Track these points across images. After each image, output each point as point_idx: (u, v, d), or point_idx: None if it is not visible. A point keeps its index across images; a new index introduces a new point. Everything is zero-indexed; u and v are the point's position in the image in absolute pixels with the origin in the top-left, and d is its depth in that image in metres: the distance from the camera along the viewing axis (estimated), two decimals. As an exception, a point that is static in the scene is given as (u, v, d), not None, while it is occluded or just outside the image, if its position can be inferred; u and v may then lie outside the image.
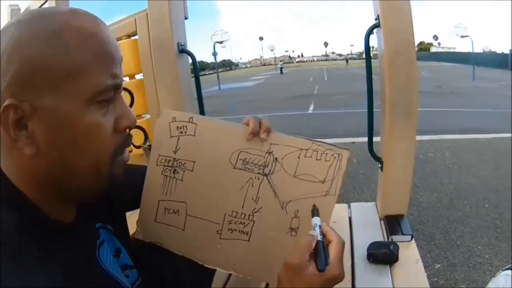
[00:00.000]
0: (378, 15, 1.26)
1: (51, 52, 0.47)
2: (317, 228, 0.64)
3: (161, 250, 0.79)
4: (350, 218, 1.52)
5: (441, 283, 2.00)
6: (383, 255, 1.17)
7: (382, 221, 1.44)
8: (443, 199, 3.09)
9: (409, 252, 1.22)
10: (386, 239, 1.31)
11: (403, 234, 1.31)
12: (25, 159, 0.49)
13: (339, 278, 0.59)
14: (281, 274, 0.61)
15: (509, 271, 1.11)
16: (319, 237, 0.61)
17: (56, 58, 0.47)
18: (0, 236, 0.45)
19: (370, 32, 1.34)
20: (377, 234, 1.37)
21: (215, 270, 0.90)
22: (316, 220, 0.65)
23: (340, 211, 1.58)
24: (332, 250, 0.60)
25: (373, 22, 1.30)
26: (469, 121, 6.91)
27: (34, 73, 0.46)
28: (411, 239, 1.29)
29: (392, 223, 1.38)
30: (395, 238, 1.29)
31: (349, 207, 1.61)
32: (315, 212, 0.68)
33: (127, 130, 0.57)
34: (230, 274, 1.15)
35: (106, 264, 0.61)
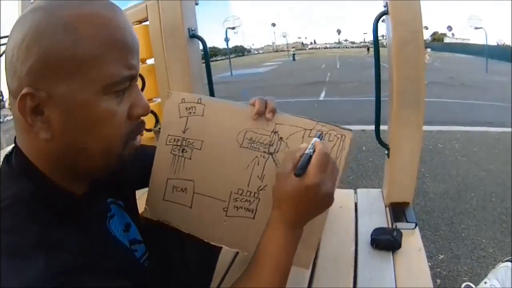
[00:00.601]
0: (386, 2, 1.25)
1: (64, 42, 0.48)
2: (311, 144, 0.66)
3: (169, 229, 0.83)
4: (356, 204, 1.53)
5: (444, 274, 2.01)
6: (386, 242, 1.18)
7: (387, 208, 1.45)
8: (450, 190, 3.09)
9: (413, 240, 1.23)
10: (390, 226, 1.33)
11: (407, 221, 1.31)
12: (40, 141, 0.52)
13: (319, 188, 0.61)
14: (274, 186, 0.65)
15: (508, 263, 1.13)
16: (308, 151, 0.63)
17: (69, 48, 0.48)
18: (15, 202, 0.49)
19: (378, 19, 1.33)
20: (382, 220, 1.37)
21: (220, 250, 0.94)
22: (313, 139, 0.68)
23: (346, 196, 1.58)
24: (312, 160, 0.62)
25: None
26: (481, 114, 6.81)
27: (50, 63, 0.48)
28: (415, 227, 1.30)
29: (397, 210, 1.39)
30: (399, 225, 1.30)
31: (355, 192, 1.62)
32: (318, 135, 0.71)
33: (140, 117, 0.60)
34: (235, 256, 1.18)
35: (116, 235, 0.64)
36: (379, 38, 1.37)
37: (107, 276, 0.49)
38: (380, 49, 1.41)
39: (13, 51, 0.49)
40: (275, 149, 0.77)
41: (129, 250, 0.67)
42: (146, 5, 1.55)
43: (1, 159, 0.58)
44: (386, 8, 1.25)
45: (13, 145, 0.57)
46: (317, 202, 0.63)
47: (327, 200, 0.64)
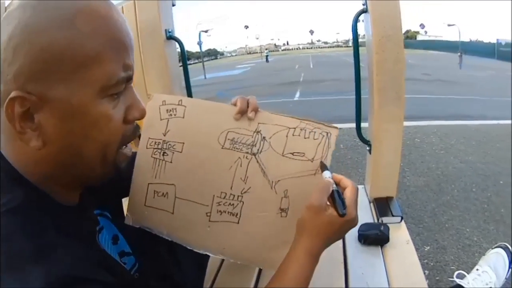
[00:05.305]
0: (365, 0, 1.26)
1: (63, 40, 0.44)
2: (330, 178, 0.67)
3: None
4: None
5: (431, 265, 2.04)
6: (374, 236, 1.18)
7: (371, 204, 1.46)
8: (431, 183, 3.14)
9: (400, 233, 1.24)
10: (376, 221, 1.33)
11: (393, 215, 1.33)
12: (30, 149, 0.48)
13: (355, 221, 0.65)
14: (303, 217, 0.66)
15: (499, 249, 1.15)
16: (334, 186, 0.65)
17: (69, 47, 0.45)
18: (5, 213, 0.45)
19: (357, 17, 1.34)
20: (367, 216, 1.38)
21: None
22: (326, 174, 0.69)
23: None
24: (348, 195, 0.65)
25: (358, 9, 1.31)
26: (457, 108, 7.01)
27: (46, 63, 0.44)
28: (401, 220, 1.31)
29: (382, 205, 1.40)
30: (385, 219, 1.31)
31: (338, 190, 1.62)
32: (323, 167, 0.71)
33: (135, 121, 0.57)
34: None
35: (106, 249, 0.61)
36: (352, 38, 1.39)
37: None
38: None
39: None
40: (258, 149, 0.75)
41: (119, 265, 0.64)
42: (122, 7, 1.51)
43: None
44: (365, 6, 1.26)
45: None
46: (347, 231, 0.67)
47: (355, 224, 0.67)
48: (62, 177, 0.53)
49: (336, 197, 0.64)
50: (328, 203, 0.64)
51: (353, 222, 0.65)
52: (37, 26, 0.44)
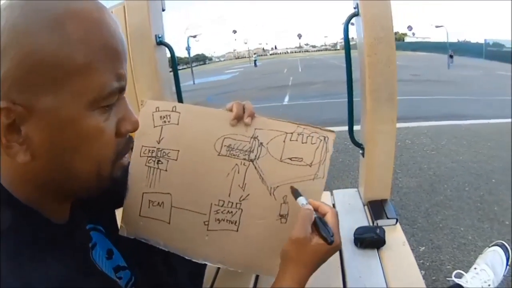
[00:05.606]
0: (357, 3, 1.27)
1: (53, 46, 0.41)
2: (308, 205, 0.66)
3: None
4: (333, 205, 1.53)
5: (427, 265, 2.05)
6: (370, 239, 1.18)
7: (366, 207, 1.46)
8: (424, 184, 3.16)
9: (396, 235, 1.24)
10: (371, 224, 1.33)
11: (387, 218, 1.33)
12: (18, 164, 0.44)
13: (340, 245, 0.65)
14: (288, 249, 0.64)
15: (495, 247, 1.16)
16: (314, 213, 0.65)
17: (59, 53, 0.41)
18: None
19: (349, 20, 1.34)
20: (362, 219, 1.38)
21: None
22: (302, 200, 0.67)
23: (322, 199, 1.58)
24: (330, 221, 0.65)
25: (346, 12, 1.32)
26: (446, 108, 7.09)
27: (33, 70, 0.40)
28: (396, 222, 1.31)
29: (377, 208, 1.40)
30: (380, 222, 1.30)
31: (331, 194, 1.61)
32: (296, 193, 0.70)
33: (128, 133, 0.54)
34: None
35: (101, 266, 0.58)
36: (341, 41, 1.39)
37: None
38: (342, 50, 1.43)
39: None
40: (255, 156, 0.73)
41: (115, 282, 0.61)
42: (112, 11, 1.50)
43: None
44: (356, 9, 1.27)
45: None
46: (331, 255, 0.67)
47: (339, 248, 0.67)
48: (54, 193, 0.50)
49: (320, 225, 0.63)
50: (311, 230, 0.64)
51: (338, 247, 0.65)
52: (24, 28, 0.40)
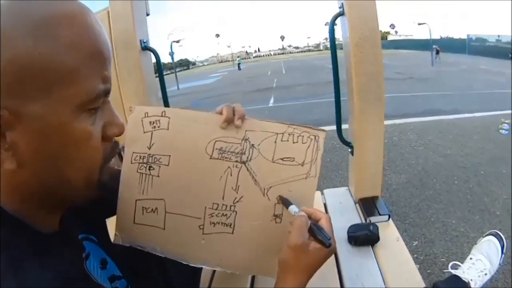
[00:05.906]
0: (342, 3, 1.28)
1: (40, 50, 0.40)
2: (301, 213, 0.66)
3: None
4: (325, 205, 1.54)
5: (421, 259, 2.07)
6: (364, 237, 1.18)
7: (357, 205, 1.47)
8: (413, 179, 3.20)
9: (389, 231, 1.25)
10: (363, 221, 1.34)
11: (380, 214, 1.34)
12: (4, 172, 0.43)
13: (335, 249, 0.68)
14: (286, 257, 0.64)
15: (490, 237, 1.17)
16: (311, 221, 0.65)
17: (46, 57, 0.40)
18: None
19: (334, 20, 1.35)
20: (354, 217, 1.39)
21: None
22: (293, 208, 0.68)
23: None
24: (325, 225, 0.65)
25: (329, 12, 1.33)
26: (431, 104, 7.20)
27: (20, 75, 0.39)
28: (389, 218, 1.32)
29: (368, 205, 1.41)
30: (373, 219, 1.31)
31: (322, 193, 1.62)
32: (286, 202, 0.71)
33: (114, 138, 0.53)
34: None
35: (96, 277, 0.57)
36: (324, 41, 1.40)
37: None
38: (327, 51, 1.43)
39: None
40: (247, 157, 0.73)
41: None
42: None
43: None
44: (341, 9, 1.27)
45: None
46: (327, 259, 0.67)
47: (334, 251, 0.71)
48: (43, 201, 0.49)
49: (316, 230, 0.64)
50: (308, 236, 0.65)
51: (333, 250, 0.67)
52: (10, 32, 0.39)
